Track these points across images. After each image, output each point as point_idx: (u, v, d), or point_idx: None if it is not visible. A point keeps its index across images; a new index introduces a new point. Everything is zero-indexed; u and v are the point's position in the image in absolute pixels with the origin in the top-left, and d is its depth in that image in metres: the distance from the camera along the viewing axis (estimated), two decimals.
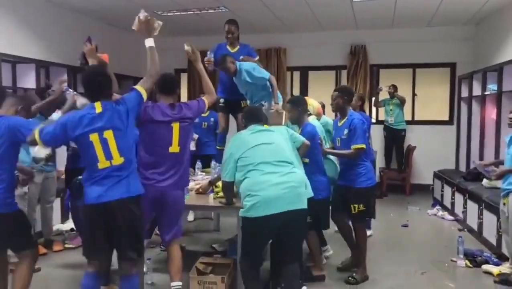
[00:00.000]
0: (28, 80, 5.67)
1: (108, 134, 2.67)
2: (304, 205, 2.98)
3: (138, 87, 2.91)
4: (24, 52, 5.75)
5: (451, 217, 6.12)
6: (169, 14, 6.92)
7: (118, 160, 2.69)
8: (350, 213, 3.87)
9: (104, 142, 2.67)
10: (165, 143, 3.12)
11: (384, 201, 7.16)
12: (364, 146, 3.79)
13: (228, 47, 4.83)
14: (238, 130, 4.22)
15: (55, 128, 2.67)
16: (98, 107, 2.69)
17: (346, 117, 3.91)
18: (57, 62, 6.19)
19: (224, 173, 3.13)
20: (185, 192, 3.44)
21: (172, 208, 3.20)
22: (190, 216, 5.71)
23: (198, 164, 5.11)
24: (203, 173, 4.82)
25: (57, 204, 5.16)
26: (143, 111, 3.04)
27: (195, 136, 5.54)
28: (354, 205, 3.83)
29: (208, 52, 4.71)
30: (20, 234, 3.06)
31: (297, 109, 3.88)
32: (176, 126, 3.14)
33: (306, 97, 4.50)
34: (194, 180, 4.52)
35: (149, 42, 3.06)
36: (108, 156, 2.67)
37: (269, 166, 2.95)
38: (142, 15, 3.05)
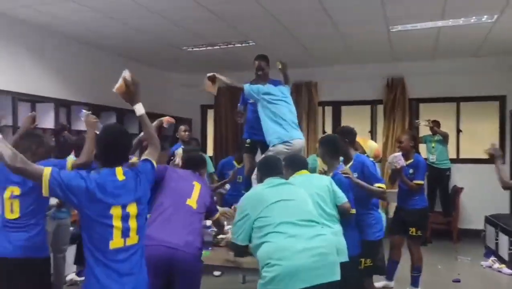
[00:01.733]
0: (47, 120, 5.46)
1: (132, 208, 2.18)
2: (337, 276, 2.43)
3: (151, 159, 2.40)
4: (43, 91, 5.59)
5: (509, 271, 5.35)
6: (194, 49, 6.65)
7: (133, 239, 2.18)
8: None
9: (125, 218, 2.15)
10: (183, 193, 2.95)
11: (429, 249, 6.44)
12: (385, 186, 3.48)
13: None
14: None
15: (71, 178, 2.07)
16: (120, 174, 2.20)
17: (351, 161, 3.55)
18: (78, 101, 5.97)
19: (236, 234, 2.59)
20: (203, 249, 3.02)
21: (185, 275, 2.73)
22: (217, 272, 5.14)
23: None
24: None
25: (71, 251, 4.72)
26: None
27: (227, 186, 5.08)
28: (361, 259, 3.38)
29: (239, 105, 4.57)
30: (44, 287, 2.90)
31: (322, 150, 3.49)
32: (197, 185, 3.07)
33: (364, 138, 4.29)
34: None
35: (141, 109, 2.44)
36: (125, 234, 2.14)
37: (292, 227, 2.42)
38: (128, 75, 2.44)
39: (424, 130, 7.31)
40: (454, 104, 7.51)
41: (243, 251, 2.71)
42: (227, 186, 5.06)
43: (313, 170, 3.69)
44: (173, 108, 8.15)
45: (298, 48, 6.58)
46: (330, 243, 2.48)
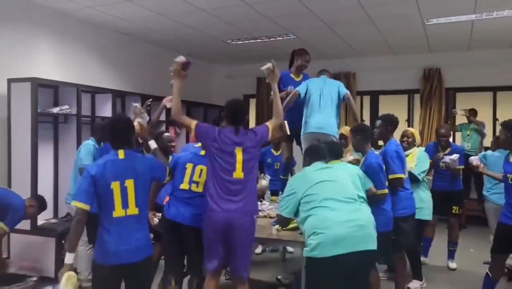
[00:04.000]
0: (106, 109, 5.96)
1: (129, 183, 2.66)
2: (374, 246, 2.77)
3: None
4: (102, 82, 6.14)
5: None
6: (238, 42, 7.06)
7: (133, 210, 2.66)
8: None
9: (124, 191, 2.64)
10: (228, 169, 3.09)
11: (463, 233, 6.62)
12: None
13: (293, 76, 4.86)
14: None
15: (85, 187, 2.60)
16: (121, 154, 2.70)
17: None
18: (132, 92, 6.51)
19: (283, 207, 2.98)
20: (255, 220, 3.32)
21: (241, 237, 3.06)
22: (258, 249, 5.65)
23: (267, 194, 5.05)
24: (270, 203, 4.74)
25: None
26: (208, 132, 3.15)
27: (268, 177, 5.28)
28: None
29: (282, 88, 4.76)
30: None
31: (355, 137, 3.76)
32: (239, 152, 3.12)
33: (411, 129, 4.71)
34: (260, 211, 4.44)
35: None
36: (125, 205, 2.64)
37: (334, 203, 2.78)
38: (180, 59, 3.12)
39: (459, 119, 7.46)
40: (491, 94, 7.61)
41: (287, 222, 3.12)
42: (267, 177, 5.27)
43: None
44: (216, 98, 8.61)
45: (337, 41, 6.87)
46: (368, 217, 2.84)
